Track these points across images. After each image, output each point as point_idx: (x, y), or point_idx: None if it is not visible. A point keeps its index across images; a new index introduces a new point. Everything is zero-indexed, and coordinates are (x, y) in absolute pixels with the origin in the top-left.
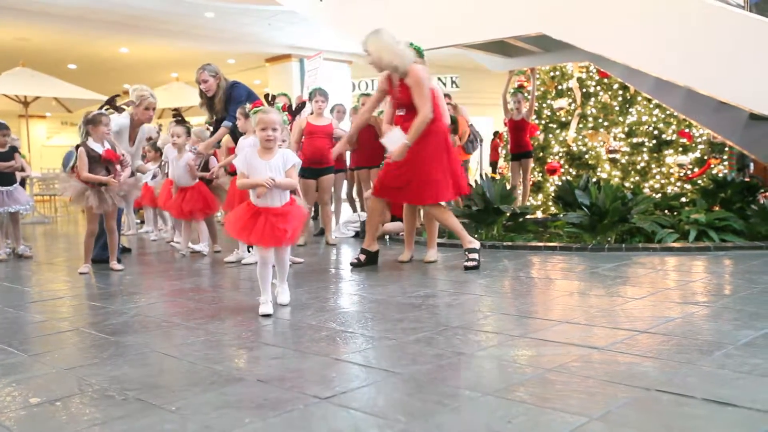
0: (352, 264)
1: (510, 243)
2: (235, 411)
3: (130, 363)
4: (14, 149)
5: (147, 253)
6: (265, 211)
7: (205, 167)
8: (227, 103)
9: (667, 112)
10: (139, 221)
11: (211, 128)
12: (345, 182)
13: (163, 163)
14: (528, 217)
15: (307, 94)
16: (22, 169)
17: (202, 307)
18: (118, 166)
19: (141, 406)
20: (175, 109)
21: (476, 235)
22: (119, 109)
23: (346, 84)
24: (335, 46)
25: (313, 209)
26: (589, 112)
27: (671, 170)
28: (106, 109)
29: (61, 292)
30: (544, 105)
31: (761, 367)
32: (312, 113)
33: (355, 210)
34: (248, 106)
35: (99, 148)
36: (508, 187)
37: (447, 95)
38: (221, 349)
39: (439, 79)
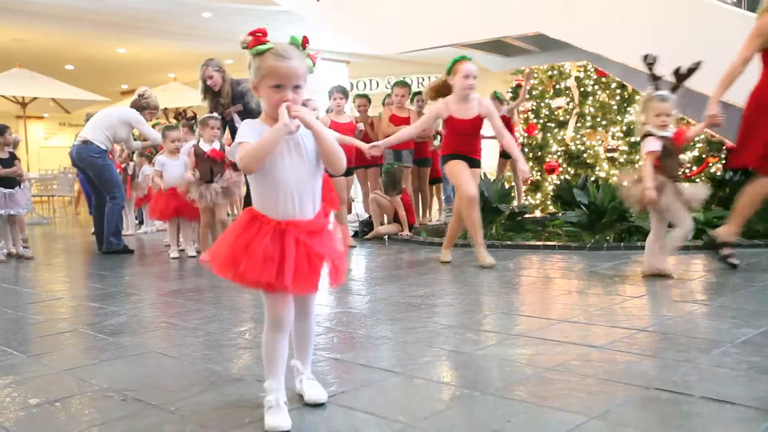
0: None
1: (509, 242)
2: (234, 411)
3: (129, 363)
4: (14, 156)
5: (146, 254)
6: (291, 226)
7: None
8: (234, 98)
9: None
10: (138, 221)
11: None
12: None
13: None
14: (526, 216)
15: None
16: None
17: (201, 307)
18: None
19: (140, 406)
20: (183, 116)
21: None
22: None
23: (343, 84)
24: (333, 46)
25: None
26: (587, 111)
27: None
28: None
29: (60, 293)
30: (543, 104)
31: (759, 365)
32: (331, 111)
33: (350, 210)
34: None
35: (206, 147)
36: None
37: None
38: (220, 349)
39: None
